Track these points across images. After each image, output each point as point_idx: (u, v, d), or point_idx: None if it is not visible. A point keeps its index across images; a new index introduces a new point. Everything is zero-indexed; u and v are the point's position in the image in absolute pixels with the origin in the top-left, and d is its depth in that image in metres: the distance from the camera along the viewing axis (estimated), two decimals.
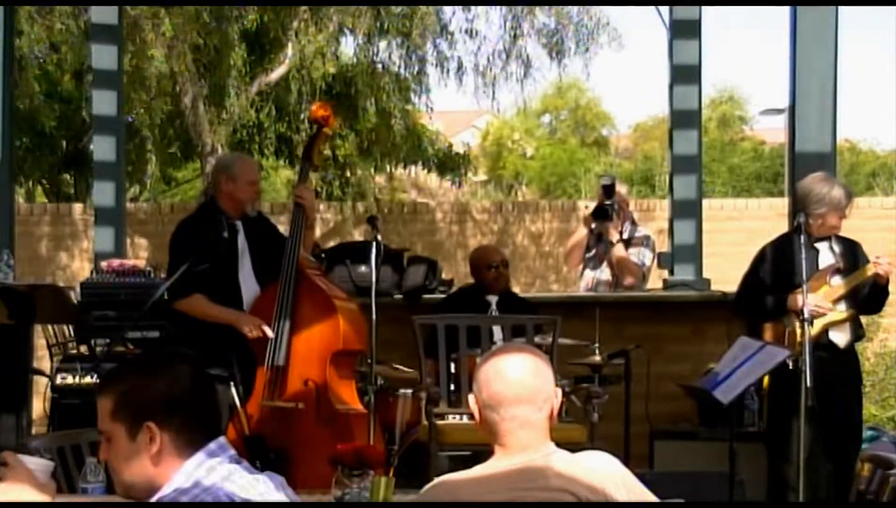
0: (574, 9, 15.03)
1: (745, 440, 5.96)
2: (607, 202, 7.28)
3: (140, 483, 2.55)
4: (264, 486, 2.57)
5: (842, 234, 5.97)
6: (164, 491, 2.50)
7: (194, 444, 2.53)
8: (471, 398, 2.93)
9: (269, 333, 5.51)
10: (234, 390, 5.40)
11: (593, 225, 7.40)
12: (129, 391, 2.55)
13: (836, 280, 5.82)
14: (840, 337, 5.84)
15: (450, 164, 16.76)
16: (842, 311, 5.81)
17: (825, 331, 5.79)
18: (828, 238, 5.90)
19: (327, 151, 15.82)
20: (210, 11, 13.80)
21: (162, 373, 2.57)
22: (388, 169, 18.00)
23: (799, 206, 5.89)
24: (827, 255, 5.88)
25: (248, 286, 5.70)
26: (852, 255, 5.89)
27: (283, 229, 5.99)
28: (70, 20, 13.42)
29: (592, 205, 7.54)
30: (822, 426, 5.69)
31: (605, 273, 7.45)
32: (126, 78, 11.87)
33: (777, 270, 5.85)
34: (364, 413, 5.58)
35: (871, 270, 5.74)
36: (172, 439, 2.52)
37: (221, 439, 2.59)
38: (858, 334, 5.96)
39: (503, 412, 2.84)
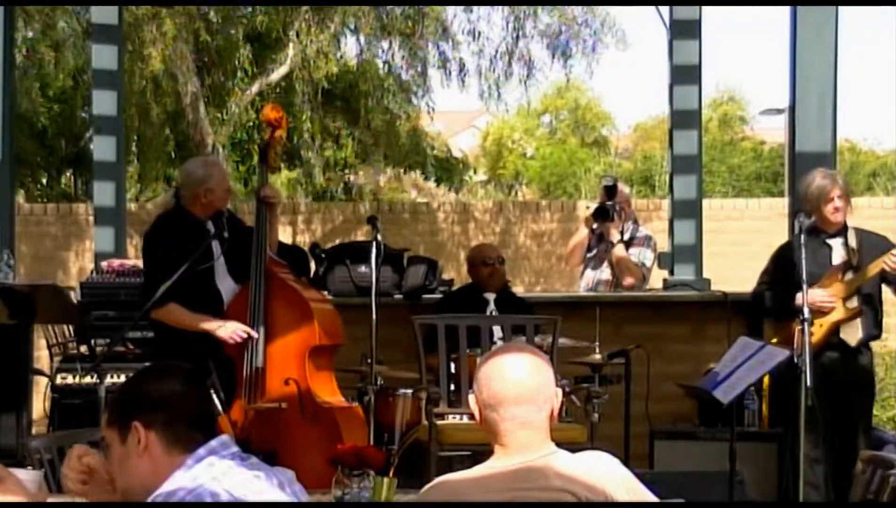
0: (579, 10, 15.03)
1: (745, 440, 5.96)
2: (608, 203, 7.29)
3: (135, 485, 2.57)
4: (263, 483, 2.57)
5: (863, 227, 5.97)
6: (163, 489, 2.50)
7: (187, 442, 2.54)
8: (471, 397, 2.93)
9: (254, 333, 5.50)
10: (215, 396, 5.37)
11: (594, 225, 7.41)
12: (119, 396, 2.64)
13: (850, 276, 5.81)
14: (851, 335, 5.82)
15: (450, 168, 16.76)
16: (851, 308, 5.79)
17: (836, 330, 5.77)
18: (843, 233, 5.88)
19: (330, 152, 15.84)
20: (216, 11, 13.82)
21: (151, 376, 2.65)
22: (389, 172, 18.00)
23: (799, 206, 5.90)
24: (840, 251, 5.87)
25: (226, 286, 5.67)
26: (874, 247, 5.85)
27: (281, 228, 5.97)
28: (70, 18, 13.43)
29: (594, 205, 7.55)
30: (831, 426, 5.69)
31: (605, 273, 7.45)
32: (127, 78, 11.92)
33: (785, 269, 5.84)
34: (349, 407, 5.59)
35: (878, 266, 5.72)
36: (160, 437, 2.53)
37: (224, 437, 2.59)
38: (873, 334, 5.92)
39: (503, 412, 2.84)
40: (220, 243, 5.64)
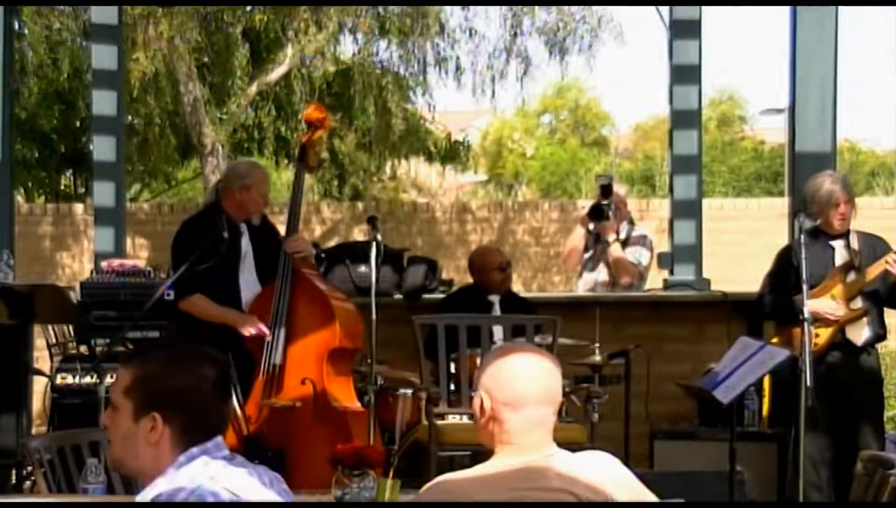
0: (576, 7, 15.03)
1: (745, 440, 5.96)
2: (604, 202, 7.28)
3: (129, 462, 2.57)
4: (254, 480, 2.57)
5: (864, 230, 5.96)
6: (155, 489, 2.50)
7: (191, 443, 2.54)
8: (482, 395, 2.88)
9: (267, 333, 5.53)
10: (232, 391, 5.39)
11: (591, 225, 7.40)
12: (149, 374, 2.56)
13: (852, 277, 5.81)
14: (857, 335, 5.82)
15: (451, 154, 16.73)
16: (856, 308, 5.79)
17: (841, 330, 5.78)
18: (845, 235, 5.88)
19: (329, 152, 15.83)
20: (214, 11, 13.82)
21: (186, 369, 2.57)
22: (389, 166, 17.97)
23: (803, 207, 5.89)
24: (842, 253, 5.87)
25: (250, 288, 5.73)
26: (873, 250, 5.85)
27: (281, 228, 5.99)
28: (69, 19, 13.42)
29: (590, 204, 7.54)
30: (837, 426, 5.68)
31: (602, 274, 7.44)
32: (126, 78, 11.90)
33: (787, 273, 5.83)
34: (362, 412, 5.59)
35: (881, 266, 5.72)
36: (174, 434, 2.53)
37: (218, 438, 2.59)
38: (879, 333, 5.90)
39: (525, 412, 2.84)
40: (251, 244, 5.72)
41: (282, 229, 5.96)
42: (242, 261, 5.74)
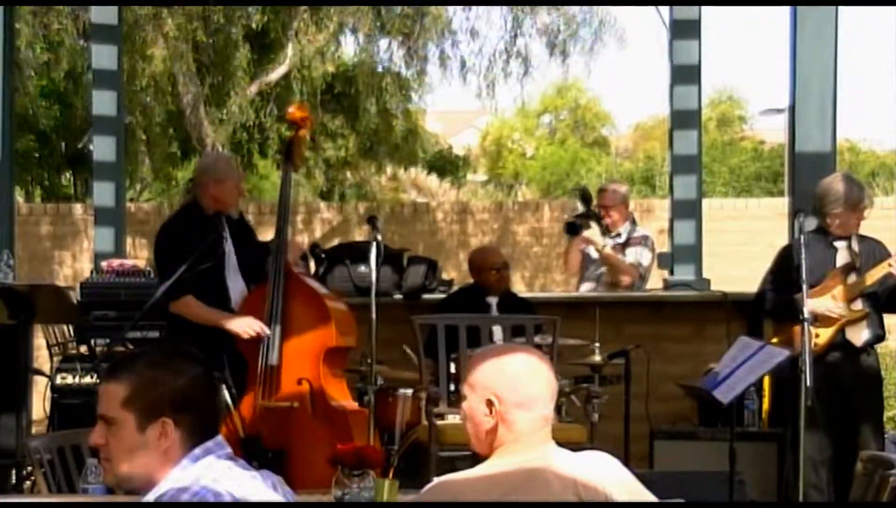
0: (578, 9, 15.04)
1: (745, 440, 5.96)
2: (579, 211, 7.35)
3: (138, 475, 2.52)
4: (258, 483, 2.57)
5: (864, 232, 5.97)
6: (160, 489, 2.49)
7: (197, 442, 2.53)
8: (490, 399, 2.87)
9: (266, 330, 5.51)
10: (226, 392, 5.38)
11: (572, 237, 7.48)
12: (148, 381, 2.51)
13: (853, 279, 5.82)
14: (856, 336, 5.82)
15: (449, 166, 16.77)
16: (856, 310, 5.80)
17: (841, 330, 5.78)
18: (847, 237, 5.89)
19: (329, 152, 15.85)
20: (216, 11, 13.82)
21: (181, 370, 2.54)
22: (389, 170, 18.00)
23: (816, 204, 5.89)
24: (845, 254, 5.88)
25: (235, 285, 5.70)
26: (872, 253, 5.87)
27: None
28: (67, 20, 13.42)
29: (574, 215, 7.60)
30: (837, 427, 5.68)
31: (604, 275, 7.48)
32: (126, 78, 11.91)
33: (787, 271, 5.83)
34: (361, 411, 5.59)
35: (883, 269, 5.73)
36: (183, 436, 2.51)
37: (219, 437, 2.58)
38: (878, 334, 5.91)
39: (537, 411, 2.86)
40: (231, 240, 5.69)
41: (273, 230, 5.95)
42: (227, 259, 5.70)
